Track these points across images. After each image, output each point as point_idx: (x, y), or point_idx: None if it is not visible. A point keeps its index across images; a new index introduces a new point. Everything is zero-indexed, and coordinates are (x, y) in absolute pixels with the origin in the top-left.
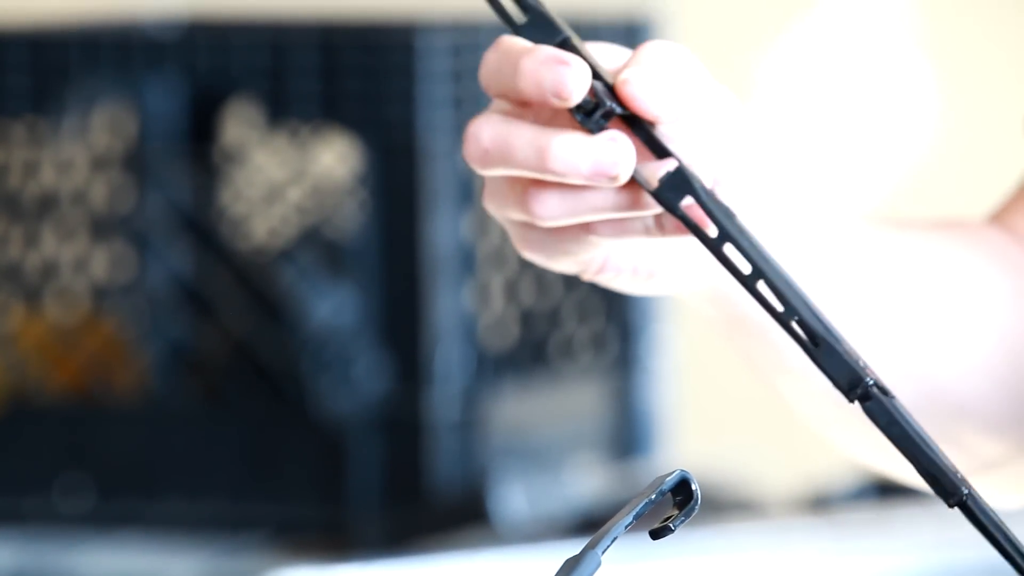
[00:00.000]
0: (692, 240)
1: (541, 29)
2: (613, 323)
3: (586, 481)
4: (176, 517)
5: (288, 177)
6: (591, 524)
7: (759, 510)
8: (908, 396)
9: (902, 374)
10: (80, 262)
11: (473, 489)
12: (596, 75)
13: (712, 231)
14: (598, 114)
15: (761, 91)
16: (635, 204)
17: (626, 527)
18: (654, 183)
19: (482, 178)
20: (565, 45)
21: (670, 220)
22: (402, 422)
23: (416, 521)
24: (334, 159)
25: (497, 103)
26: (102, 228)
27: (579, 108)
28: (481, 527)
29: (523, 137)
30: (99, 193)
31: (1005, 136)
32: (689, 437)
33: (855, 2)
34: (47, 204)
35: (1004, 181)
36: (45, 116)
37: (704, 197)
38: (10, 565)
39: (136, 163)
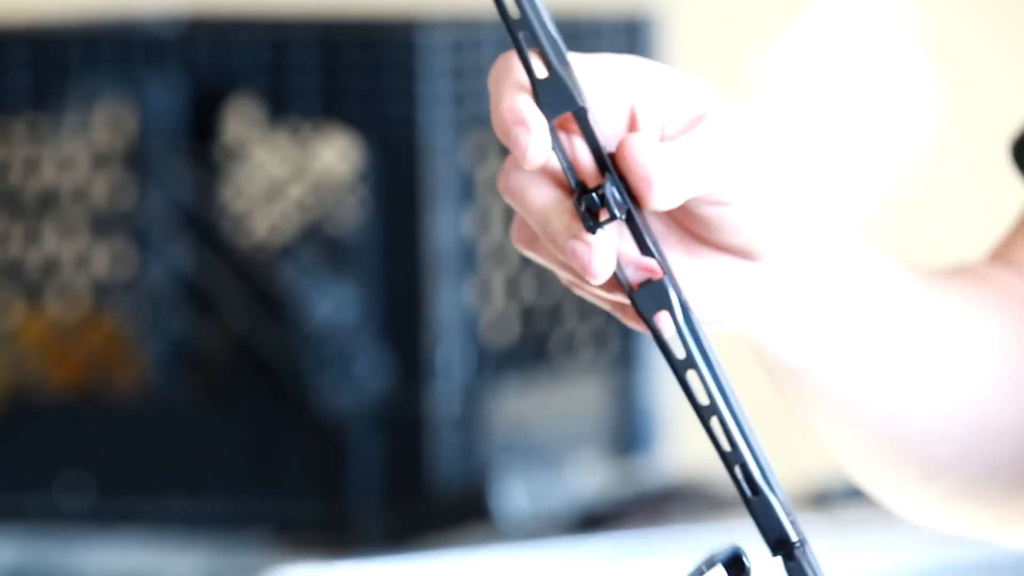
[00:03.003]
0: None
1: (559, 92)
2: (614, 320)
3: (587, 478)
4: (177, 514)
5: (289, 174)
6: (592, 520)
7: None
8: (899, 449)
9: (883, 427)
10: (81, 259)
11: (474, 486)
12: (603, 160)
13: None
14: (601, 220)
15: (761, 90)
16: (610, 287)
17: None
18: (635, 283)
19: (483, 174)
20: (579, 116)
21: (633, 314)
22: (403, 419)
23: (417, 518)
24: (335, 156)
25: None
26: (103, 225)
27: (582, 200)
28: (482, 524)
29: (537, 198)
30: (100, 190)
31: (1005, 136)
32: (690, 434)
33: (856, 1)
34: (48, 201)
35: (1003, 182)
36: (46, 113)
37: (680, 319)
38: (11, 563)
39: (137, 160)
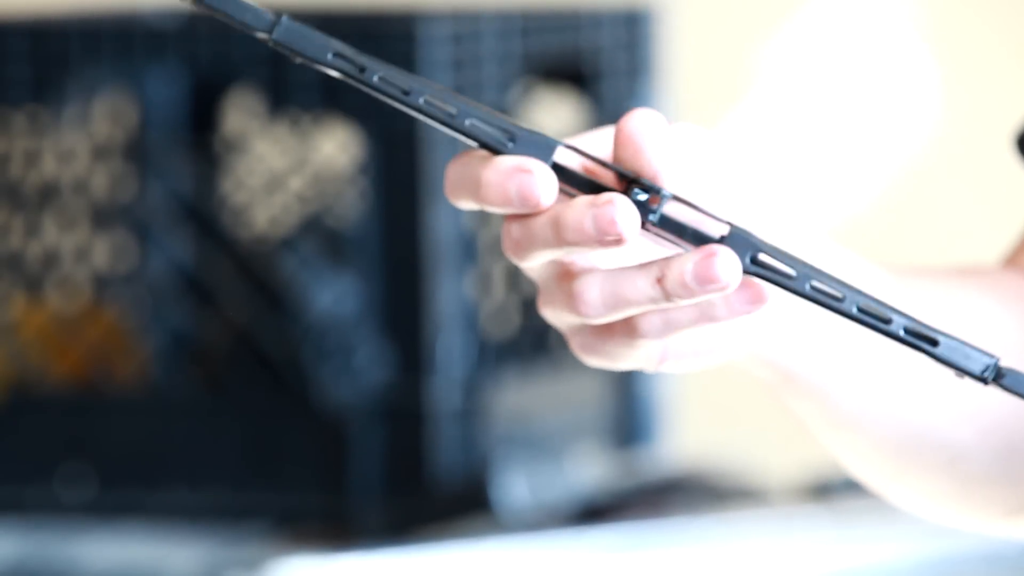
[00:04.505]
0: (747, 317)
1: (534, 144)
2: None
3: (588, 469)
4: (177, 507)
5: (289, 166)
6: (593, 512)
7: (761, 498)
8: (906, 442)
9: (899, 420)
10: (81, 251)
11: (475, 478)
12: (621, 172)
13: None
14: (658, 209)
15: (761, 83)
16: (682, 291)
17: None
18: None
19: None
20: (557, 164)
21: (721, 305)
22: (403, 411)
23: (418, 510)
24: (335, 148)
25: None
26: (103, 217)
27: (632, 194)
28: (483, 516)
29: (541, 217)
30: (100, 182)
31: (1005, 131)
32: (691, 425)
33: None
34: (48, 193)
35: (1003, 177)
36: (46, 105)
37: (771, 249)
38: (11, 555)
39: (137, 152)
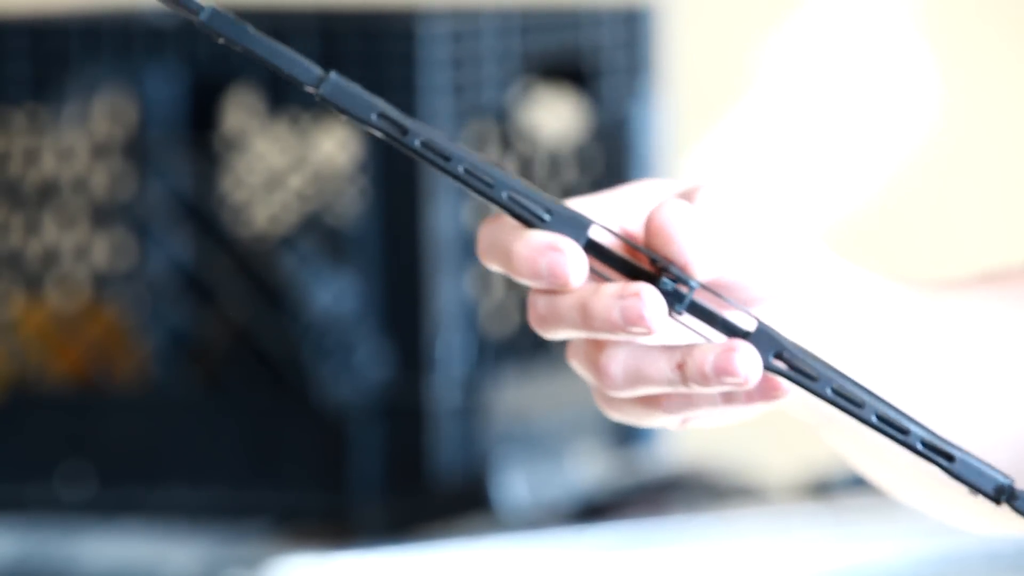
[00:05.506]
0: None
1: (568, 221)
2: None
3: (588, 468)
4: (177, 505)
5: (289, 164)
6: (592, 511)
7: (761, 496)
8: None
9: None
10: (81, 250)
11: (474, 476)
12: (655, 258)
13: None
14: (685, 300)
15: (760, 81)
16: (700, 380)
17: None
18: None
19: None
20: (591, 243)
21: (740, 393)
22: (403, 409)
23: (417, 508)
24: (335, 146)
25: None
26: (103, 216)
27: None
28: (482, 514)
29: (568, 299)
30: (100, 181)
31: (1006, 128)
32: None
33: None
34: (48, 192)
35: (1004, 174)
36: (46, 104)
37: (795, 349)
38: (11, 553)
39: (137, 151)
